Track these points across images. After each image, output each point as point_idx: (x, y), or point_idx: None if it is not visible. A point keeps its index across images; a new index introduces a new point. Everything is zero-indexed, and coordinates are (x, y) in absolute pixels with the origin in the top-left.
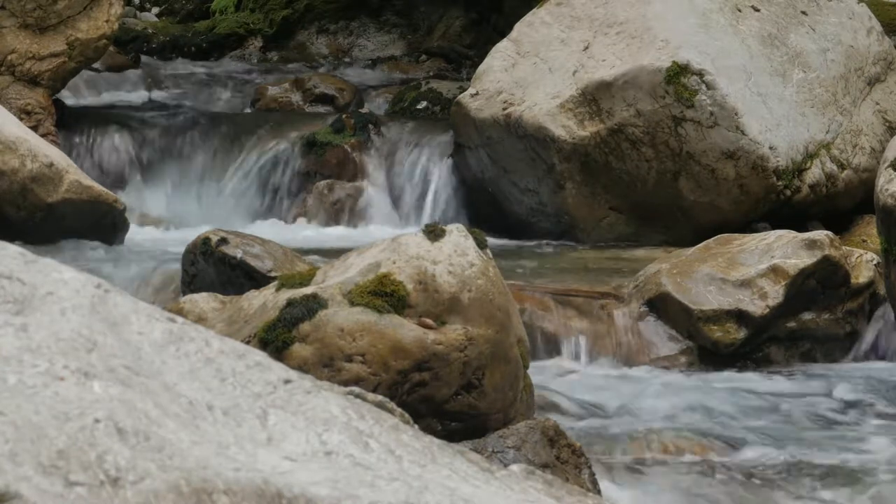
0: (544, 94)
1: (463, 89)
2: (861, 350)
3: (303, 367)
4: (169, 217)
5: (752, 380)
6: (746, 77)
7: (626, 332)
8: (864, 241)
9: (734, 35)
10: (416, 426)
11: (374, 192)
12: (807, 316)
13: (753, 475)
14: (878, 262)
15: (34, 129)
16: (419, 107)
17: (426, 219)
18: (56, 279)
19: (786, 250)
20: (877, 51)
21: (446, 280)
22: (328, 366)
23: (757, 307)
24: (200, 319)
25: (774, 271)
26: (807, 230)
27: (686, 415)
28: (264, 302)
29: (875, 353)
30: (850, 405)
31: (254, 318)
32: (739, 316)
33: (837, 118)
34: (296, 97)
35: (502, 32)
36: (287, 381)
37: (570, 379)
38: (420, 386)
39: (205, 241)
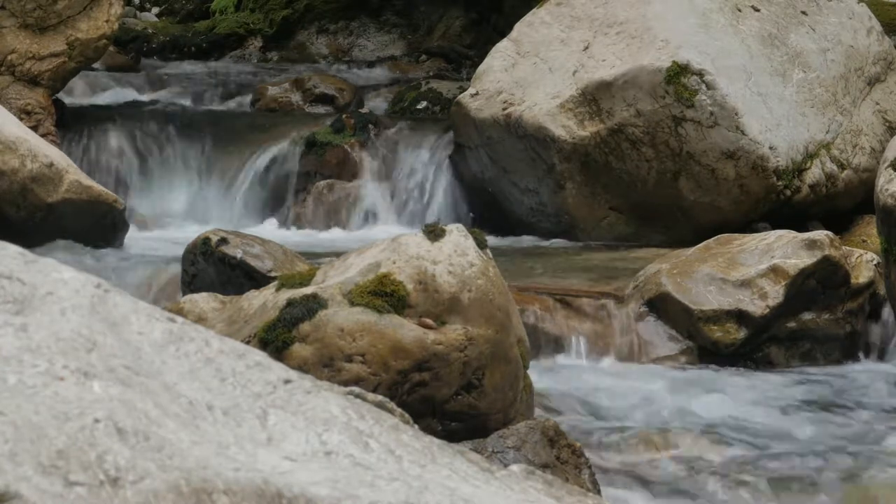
0: (544, 94)
1: (463, 89)
2: (861, 350)
3: (303, 367)
4: (169, 217)
5: (752, 380)
6: (746, 77)
7: (626, 332)
8: (864, 241)
9: (734, 35)
10: (416, 426)
11: (374, 191)
12: (807, 316)
13: (754, 475)
14: (878, 262)
15: (34, 129)
16: (419, 107)
17: (426, 219)
18: (56, 279)
19: (786, 250)
20: (877, 51)
21: (446, 280)
22: (328, 366)
23: (757, 307)
24: (200, 319)
25: (774, 271)
26: (807, 230)
27: (686, 415)
28: (264, 302)
29: (875, 353)
30: (850, 405)
31: (254, 318)
32: (739, 316)
33: (837, 118)
34: (296, 97)
35: (502, 32)
36: (287, 381)
37: (570, 379)
38: (420, 386)
39: (205, 240)
